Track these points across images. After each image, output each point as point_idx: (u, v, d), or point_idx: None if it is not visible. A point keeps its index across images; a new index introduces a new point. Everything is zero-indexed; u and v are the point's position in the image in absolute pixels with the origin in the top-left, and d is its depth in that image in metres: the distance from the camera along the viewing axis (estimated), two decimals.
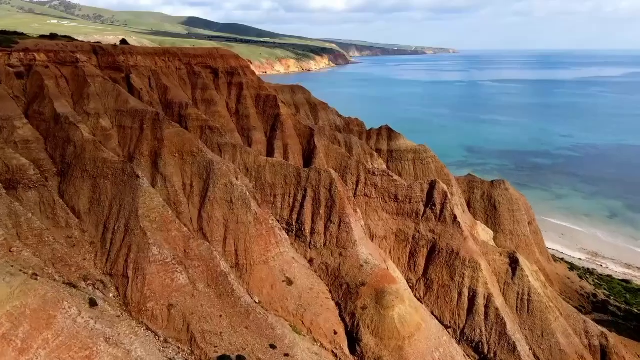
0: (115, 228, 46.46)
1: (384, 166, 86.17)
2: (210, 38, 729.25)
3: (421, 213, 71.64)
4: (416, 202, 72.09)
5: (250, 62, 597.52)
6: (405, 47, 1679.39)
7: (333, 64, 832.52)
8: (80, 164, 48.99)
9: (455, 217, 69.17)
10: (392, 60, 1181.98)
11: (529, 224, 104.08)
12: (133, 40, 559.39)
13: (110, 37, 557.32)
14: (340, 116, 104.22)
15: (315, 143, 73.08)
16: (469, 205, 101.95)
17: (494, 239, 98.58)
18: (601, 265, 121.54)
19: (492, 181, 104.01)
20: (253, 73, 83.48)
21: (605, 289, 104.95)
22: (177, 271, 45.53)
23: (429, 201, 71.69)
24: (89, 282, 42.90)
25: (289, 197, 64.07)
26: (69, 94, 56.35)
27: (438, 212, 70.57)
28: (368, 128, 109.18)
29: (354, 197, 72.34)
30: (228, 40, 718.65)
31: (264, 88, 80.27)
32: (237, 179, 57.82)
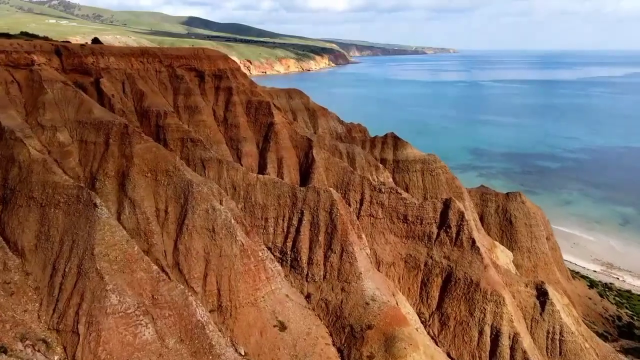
0: (66, 270, 37.64)
1: (390, 179, 77.43)
2: (210, 38, 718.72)
3: (434, 236, 62.83)
4: (428, 223, 63.29)
5: (250, 62, 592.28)
6: (405, 47, 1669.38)
7: (333, 64, 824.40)
8: (26, 190, 40.18)
9: (473, 242, 60.38)
10: (393, 60, 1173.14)
11: (546, 239, 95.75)
12: (132, 40, 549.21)
13: (109, 37, 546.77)
14: (341, 122, 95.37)
15: (314, 156, 64.21)
16: (482, 219, 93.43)
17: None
18: (618, 279, 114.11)
19: (507, 193, 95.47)
20: (244, 76, 74.55)
21: (627, 307, 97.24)
22: (141, 324, 36.71)
23: (443, 222, 62.86)
24: (27, 342, 34.03)
25: (283, 221, 55.25)
26: (22, 102, 47.60)
27: (454, 235, 61.78)
28: (371, 134, 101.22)
29: (358, 217, 63.55)
30: (228, 40, 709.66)
31: (256, 93, 71.34)
32: (220, 202, 49.00)
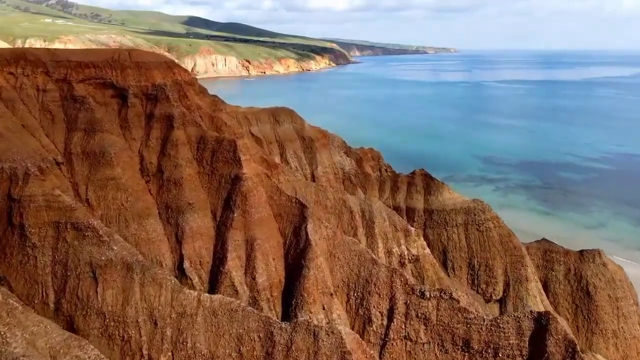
0: None
1: (427, 250, 50.38)
2: (209, 37, 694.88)
3: None
4: (508, 356, 36.36)
5: (249, 62, 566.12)
6: (406, 47, 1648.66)
7: (334, 64, 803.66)
8: None
9: None
10: (394, 60, 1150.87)
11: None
12: (127, 40, 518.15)
13: (104, 37, 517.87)
14: (348, 153, 68.11)
15: (309, 235, 36.83)
16: (545, 287, 66.62)
17: (589, 342, 63.93)
18: None
19: (581, 252, 67.86)
20: (202, 93, 46.83)
21: None
22: None
23: (537, 355, 35.95)
24: None
25: None
26: None
27: None
28: (379, 147, 77.39)
29: (385, 342, 36.60)
30: (227, 40, 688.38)
31: (217, 121, 43.63)
32: None
